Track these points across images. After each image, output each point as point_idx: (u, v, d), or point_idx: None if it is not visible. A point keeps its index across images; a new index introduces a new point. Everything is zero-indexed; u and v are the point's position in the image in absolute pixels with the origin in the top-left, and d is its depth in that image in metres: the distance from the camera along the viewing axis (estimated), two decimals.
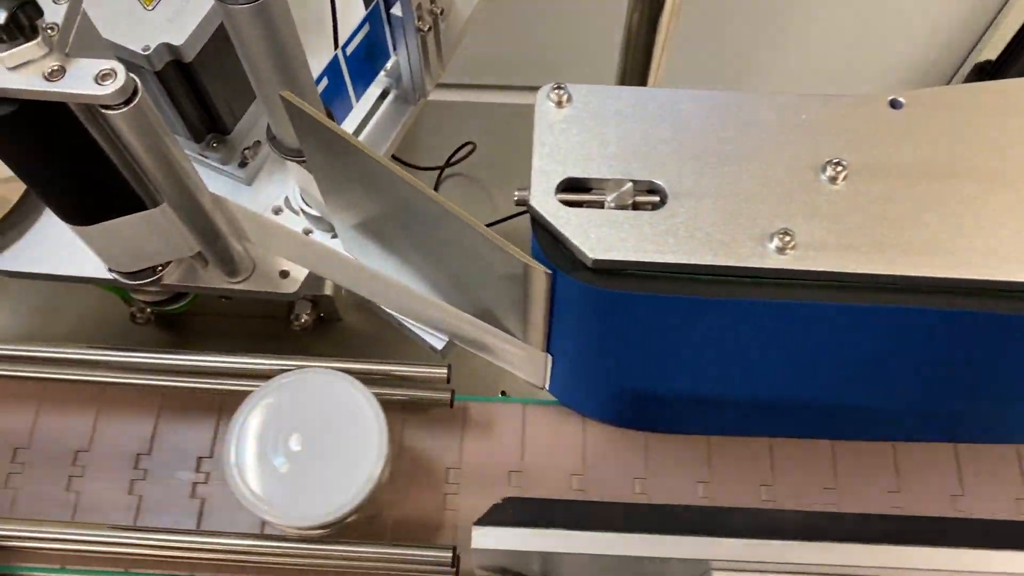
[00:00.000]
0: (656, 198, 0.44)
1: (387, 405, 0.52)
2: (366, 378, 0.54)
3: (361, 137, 0.71)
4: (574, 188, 0.44)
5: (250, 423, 0.52)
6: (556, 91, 0.45)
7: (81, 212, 0.53)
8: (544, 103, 0.46)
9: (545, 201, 0.43)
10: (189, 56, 0.58)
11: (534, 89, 0.46)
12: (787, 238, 0.42)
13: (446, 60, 0.72)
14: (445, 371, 0.57)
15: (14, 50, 0.42)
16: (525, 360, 0.58)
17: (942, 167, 0.44)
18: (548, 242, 0.44)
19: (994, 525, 0.55)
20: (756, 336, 0.46)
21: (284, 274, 0.65)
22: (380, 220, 0.55)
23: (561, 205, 0.43)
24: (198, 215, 0.55)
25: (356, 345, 0.84)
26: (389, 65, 0.70)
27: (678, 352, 0.50)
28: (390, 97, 0.72)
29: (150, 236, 0.57)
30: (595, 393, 0.58)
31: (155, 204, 0.54)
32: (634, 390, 0.55)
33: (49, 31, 0.44)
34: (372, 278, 0.57)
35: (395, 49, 0.68)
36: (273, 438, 0.51)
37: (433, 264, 0.56)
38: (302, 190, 0.64)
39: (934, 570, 0.40)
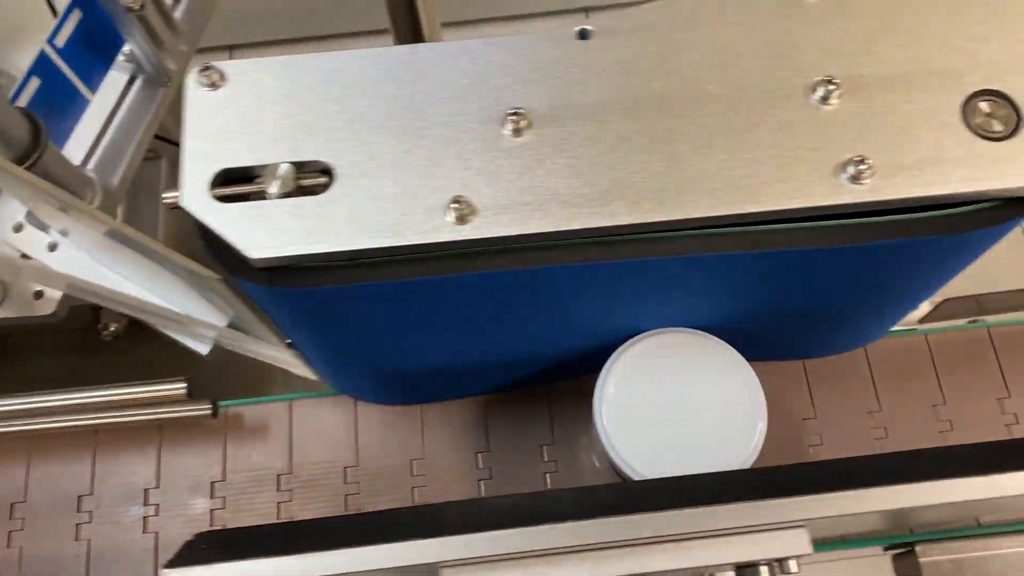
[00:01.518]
0: (326, 179, 0.39)
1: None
2: (114, 403, 0.50)
3: (114, 124, 0.65)
4: (235, 180, 0.40)
5: (613, 387, 0.48)
6: (205, 73, 0.40)
7: None
8: (195, 90, 0.40)
9: (198, 200, 0.39)
10: None
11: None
12: (459, 206, 0.38)
13: (193, 35, 0.66)
14: (183, 387, 0.52)
15: None
16: (288, 357, 0.54)
17: (636, 100, 0.40)
18: (213, 244, 0.39)
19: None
20: (461, 307, 0.43)
21: (38, 295, 0.60)
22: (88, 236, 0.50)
23: (217, 202, 0.39)
24: None
25: (177, 347, 0.79)
26: (128, 49, 0.65)
27: (394, 331, 0.46)
28: (139, 82, 0.66)
29: None
30: (356, 377, 0.54)
31: None
32: (383, 369, 0.51)
33: None
34: (101, 292, 0.52)
35: (123, 32, 0.62)
36: (641, 402, 0.48)
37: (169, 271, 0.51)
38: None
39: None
